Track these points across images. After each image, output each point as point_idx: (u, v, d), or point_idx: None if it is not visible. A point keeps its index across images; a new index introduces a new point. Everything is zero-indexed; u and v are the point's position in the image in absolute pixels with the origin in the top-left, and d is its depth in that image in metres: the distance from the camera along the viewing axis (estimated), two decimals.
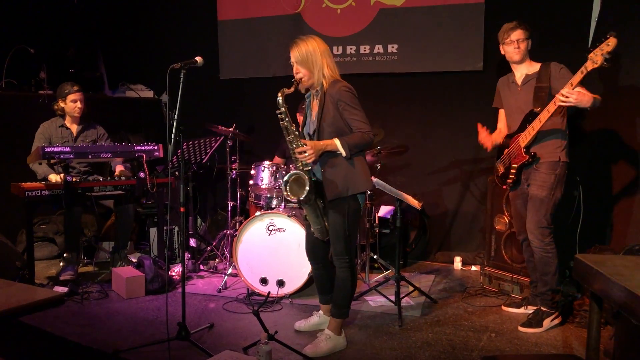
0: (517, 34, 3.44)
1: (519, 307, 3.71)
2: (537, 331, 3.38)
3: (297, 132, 2.97)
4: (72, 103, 4.45)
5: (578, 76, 3.11)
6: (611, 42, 2.93)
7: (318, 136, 3.01)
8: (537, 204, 3.39)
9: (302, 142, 2.93)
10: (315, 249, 3.24)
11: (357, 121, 2.97)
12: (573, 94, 3.10)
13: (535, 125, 3.32)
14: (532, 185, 3.43)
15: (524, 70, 3.53)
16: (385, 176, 4.98)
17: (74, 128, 4.55)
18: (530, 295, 3.70)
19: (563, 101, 3.12)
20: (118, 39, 6.22)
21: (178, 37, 5.88)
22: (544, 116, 3.27)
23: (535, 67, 3.49)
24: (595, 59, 2.98)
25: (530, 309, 3.62)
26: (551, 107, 3.23)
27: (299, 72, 2.99)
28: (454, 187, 5.04)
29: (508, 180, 3.56)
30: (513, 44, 3.47)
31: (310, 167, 2.99)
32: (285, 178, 2.97)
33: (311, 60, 2.97)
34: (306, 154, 2.89)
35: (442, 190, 5.09)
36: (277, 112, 2.94)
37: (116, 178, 4.37)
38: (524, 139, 3.40)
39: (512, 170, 3.52)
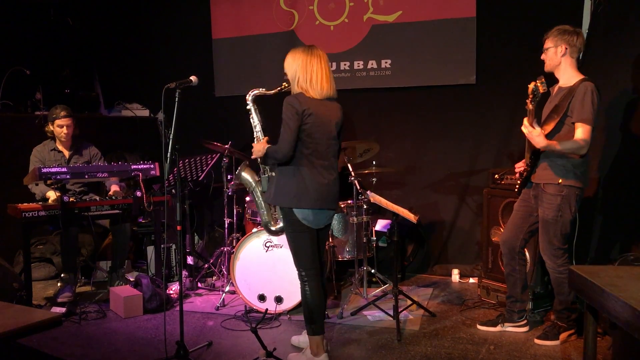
0: (546, 42, 3.29)
1: (495, 325, 3.60)
2: (553, 344, 3.33)
3: (259, 129, 3.23)
4: (58, 128, 4.38)
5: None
6: None
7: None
8: (545, 226, 3.30)
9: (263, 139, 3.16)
10: None
11: (280, 135, 2.97)
12: (527, 127, 3.11)
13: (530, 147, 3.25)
14: (540, 206, 3.32)
15: (562, 81, 3.30)
16: (381, 190, 4.99)
17: (66, 152, 4.49)
18: (506, 311, 3.60)
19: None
20: (113, 59, 6.26)
21: (173, 56, 5.93)
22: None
23: (573, 81, 3.23)
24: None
25: (507, 326, 3.56)
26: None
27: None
28: (450, 199, 5.06)
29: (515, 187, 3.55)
30: (544, 52, 3.31)
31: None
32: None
33: (290, 70, 3.09)
34: (254, 149, 3.09)
35: (438, 203, 5.11)
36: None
37: (112, 197, 4.35)
38: (527, 156, 3.35)
39: (518, 181, 3.52)
